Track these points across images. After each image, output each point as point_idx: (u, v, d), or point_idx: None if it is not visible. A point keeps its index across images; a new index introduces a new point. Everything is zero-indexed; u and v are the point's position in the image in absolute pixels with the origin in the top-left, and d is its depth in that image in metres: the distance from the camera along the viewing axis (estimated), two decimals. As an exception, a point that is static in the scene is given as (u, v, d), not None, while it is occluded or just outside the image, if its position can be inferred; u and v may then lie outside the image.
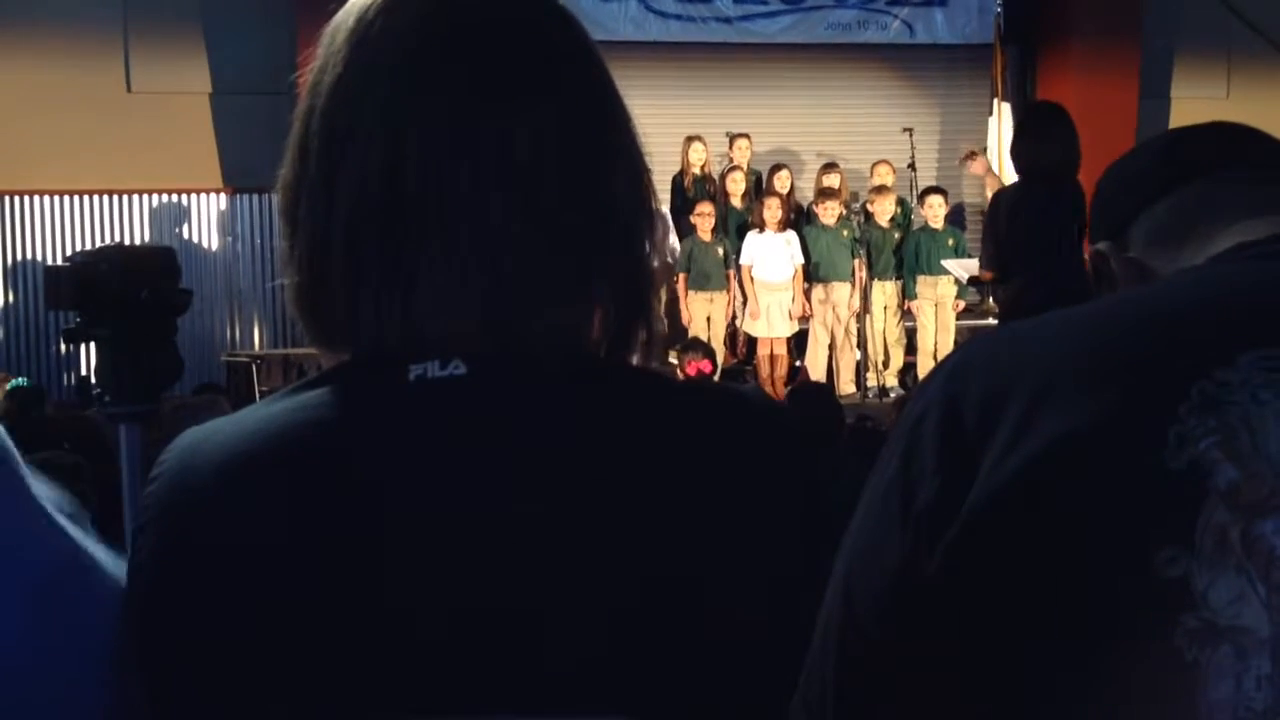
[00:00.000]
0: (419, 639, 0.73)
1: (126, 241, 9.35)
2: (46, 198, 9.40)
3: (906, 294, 8.81)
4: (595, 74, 0.85)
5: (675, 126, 9.36)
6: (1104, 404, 0.70)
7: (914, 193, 9.26)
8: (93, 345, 1.67)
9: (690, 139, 9.19)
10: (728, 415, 0.80)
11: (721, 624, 0.74)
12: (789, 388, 6.88)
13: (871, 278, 8.70)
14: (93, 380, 1.82)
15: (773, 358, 8.61)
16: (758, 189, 9.14)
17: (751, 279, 8.57)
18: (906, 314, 8.87)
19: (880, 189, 8.99)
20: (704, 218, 8.58)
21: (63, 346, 7.60)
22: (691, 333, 8.44)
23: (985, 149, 9.82)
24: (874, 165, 9.32)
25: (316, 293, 0.81)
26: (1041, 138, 4.70)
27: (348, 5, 0.84)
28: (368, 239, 0.78)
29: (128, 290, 1.64)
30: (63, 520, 0.79)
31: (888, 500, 0.75)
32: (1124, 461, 0.68)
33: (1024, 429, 0.70)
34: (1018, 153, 4.85)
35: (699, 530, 0.75)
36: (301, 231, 0.81)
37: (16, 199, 9.32)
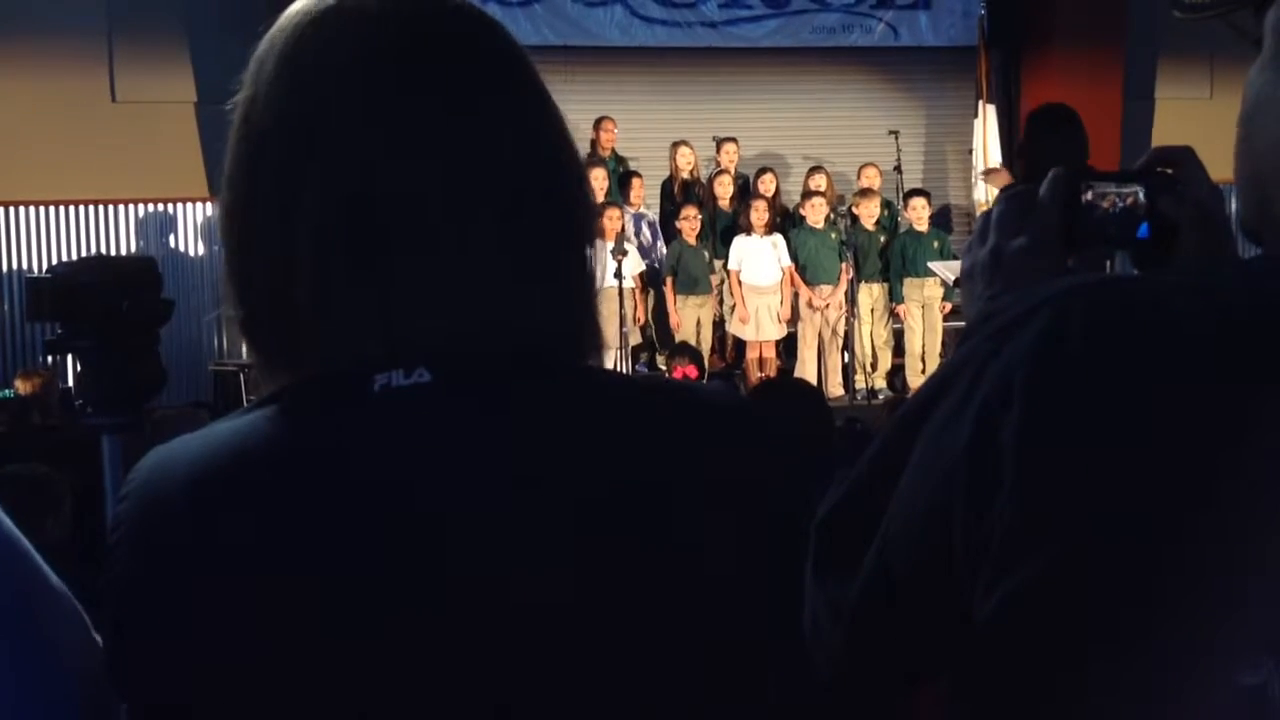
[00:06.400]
0: (394, 648, 0.73)
1: (113, 251, 9.32)
2: (32, 208, 9.37)
3: (893, 297, 8.82)
4: (535, 80, 0.85)
5: (662, 131, 9.38)
6: (1226, 481, 0.66)
7: (900, 195, 9.27)
8: (75, 357, 1.67)
9: (677, 144, 9.20)
10: (692, 415, 0.80)
11: (682, 617, 0.75)
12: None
13: (858, 280, 8.71)
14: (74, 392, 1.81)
15: (761, 361, 8.61)
16: (745, 193, 9.14)
17: (739, 283, 8.58)
18: (893, 316, 8.88)
19: (866, 192, 9.00)
20: (690, 221, 8.59)
21: (48, 358, 7.58)
22: (680, 337, 8.44)
23: (971, 151, 9.85)
24: (860, 168, 9.33)
25: (278, 309, 0.80)
26: (1046, 139, 4.70)
27: (273, 29, 0.84)
28: (338, 246, 0.78)
29: (109, 301, 1.64)
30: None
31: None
32: (1239, 559, 0.66)
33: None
34: (1022, 153, 4.86)
35: (662, 527, 0.75)
36: (259, 250, 0.80)
37: (1, 210, 9.29)
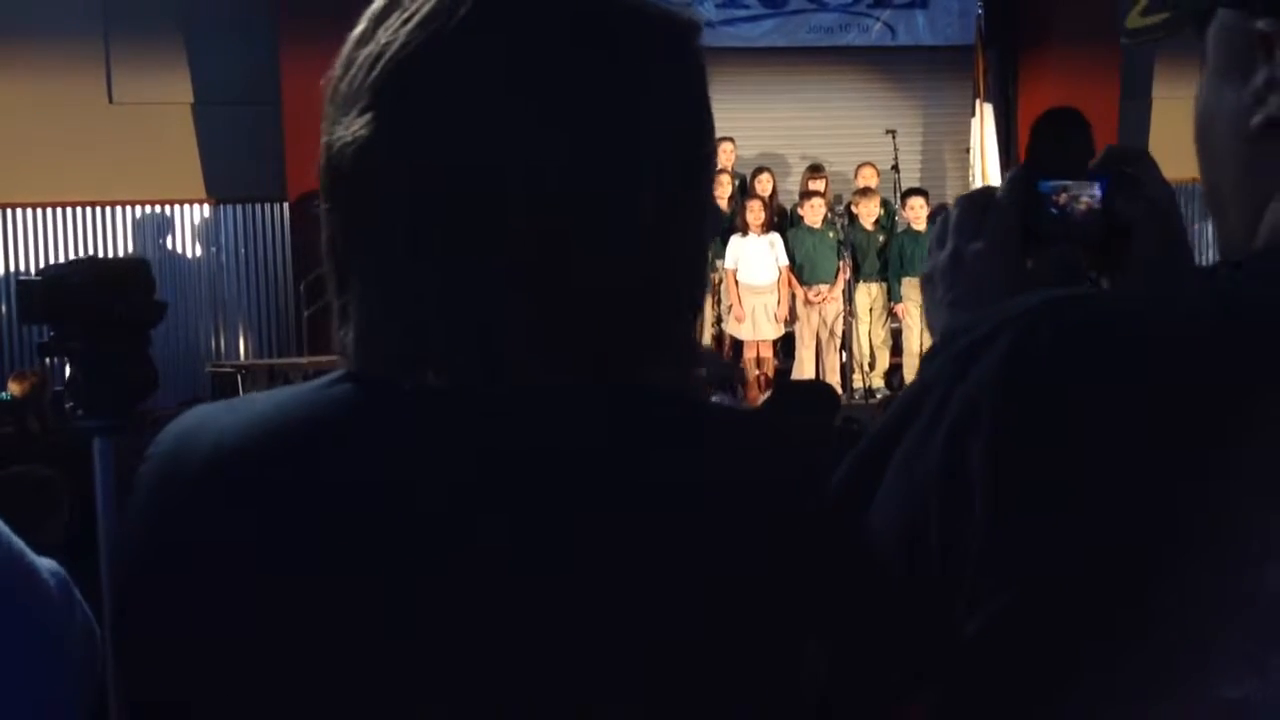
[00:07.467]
0: (395, 648, 0.73)
1: (110, 253, 9.33)
2: (29, 210, 9.37)
3: (892, 296, 8.82)
4: (607, 81, 0.78)
5: (659, 131, 9.38)
6: (1205, 496, 0.65)
7: (897, 195, 9.28)
8: (67, 359, 1.66)
9: (674, 144, 9.20)
10: (698, 424, 0.79)
11: (683, 622, 0.73)
12: (780, 384, 6.86)
13: (856, 280, 8.72)
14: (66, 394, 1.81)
15: (759, 361, 8.62)
16: (743, 192, 9.15)
17: (736, 283, 8.59)
18: (892, 315, 8.89)
19: (864, 191, 9.01)
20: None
21: (46, 360, 7.59)
22: (678, 337, 8.44)
23: (968, 150, 9.86)
24: (858, 168, 9.34)
25: (338, 295, 0.80)
26: (1052, 142, 4.70)
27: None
28: (358, 249, 0.77)
29: (100, 303, 1.63)
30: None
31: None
32: (1221, 574, 0.65)
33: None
34: (1032, 156, 4.85)
35: (665, 533, 0.74)
36: (324, 252, 0.80)
37: (-2, 211, 9.30)
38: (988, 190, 1.00)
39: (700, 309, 0.83)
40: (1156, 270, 0.94)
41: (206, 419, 0.80)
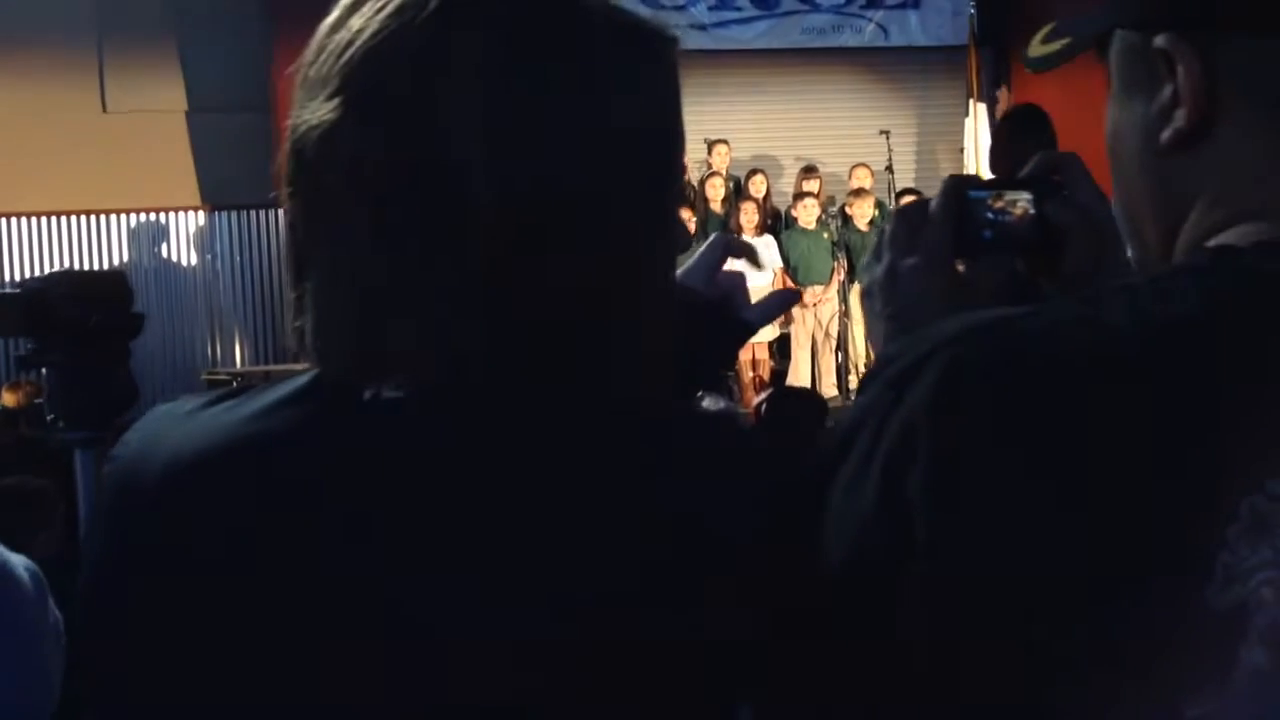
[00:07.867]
0: (355, 650, 0.72)
1: (106, 262, 9.33)
2: (23, 219, 9.37)
3: (887, 296, 8.83)
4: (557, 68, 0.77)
5: (653, 134, 9.37)
6: (1142, 519, 0.65)
7: (892, 195, 9.29)
8: (46, 372, 1.67)
9: (668, 146, 9.21)
10: (666, 436, 0.78)
11: (643, 634, 0.73)
12: (769, 393, 6.85)
13: (851, 281, 8.72)
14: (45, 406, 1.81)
15: (754, 362, 8.62)
16: (737, 194, 9.16)
17: (731, 285, 8.59)
18: (887, 316, 8.89)
19: (858, 192, 9.02)
20: (685, 223, 8.61)
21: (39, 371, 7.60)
22: (673, 340, 8.45)
23: (962, 150, 9.87)
24: (852, 168, 9.35)
25: (295, 284, 0.79)
26: (1021, 141, 4.70)
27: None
28: (320, 250, 0.77)
29: (78, 315, 1.64)
30: None
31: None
32: (1163, 596, 0.64)
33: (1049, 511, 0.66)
34: (1004, 155, 4.85)
35: (627, 542, 0.74)
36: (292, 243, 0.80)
37: (-7, 221, 9.30)
38: (921, 204, 1.00)
39: (670, 312, 0.83)
40: (1089, 277, 0.94)
41: (167, 426, 0.80)
